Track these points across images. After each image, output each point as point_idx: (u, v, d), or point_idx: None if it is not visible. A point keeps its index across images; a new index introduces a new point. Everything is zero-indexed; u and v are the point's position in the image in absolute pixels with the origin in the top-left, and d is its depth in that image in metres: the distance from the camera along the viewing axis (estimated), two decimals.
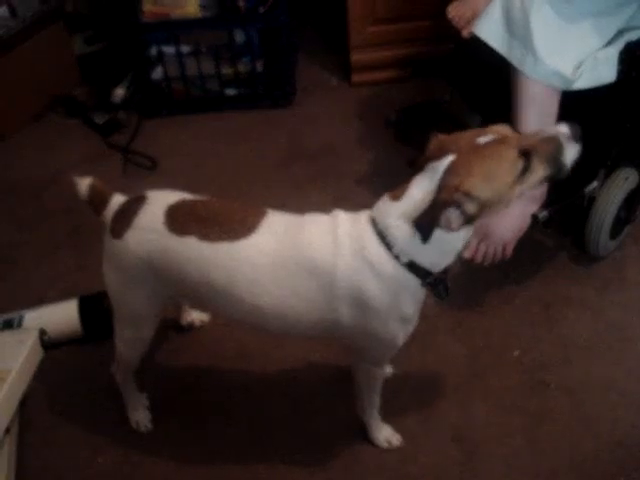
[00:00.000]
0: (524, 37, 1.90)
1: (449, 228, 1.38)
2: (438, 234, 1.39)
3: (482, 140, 1.40)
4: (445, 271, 1.51)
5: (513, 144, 1.39)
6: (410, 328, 1.61)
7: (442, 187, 1.38)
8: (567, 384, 2.04)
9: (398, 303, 1.52)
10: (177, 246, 1.57)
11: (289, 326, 1.62)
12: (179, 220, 1.58)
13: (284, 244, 1.53)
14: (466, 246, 1.51)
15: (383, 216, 1.47)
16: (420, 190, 1.42)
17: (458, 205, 1.36)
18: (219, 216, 1.59)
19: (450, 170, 1.39)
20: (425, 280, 1.49)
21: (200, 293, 1.63)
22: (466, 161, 1.38)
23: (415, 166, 1.48)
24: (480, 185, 1.36)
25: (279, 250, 1.53)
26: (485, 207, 1.39)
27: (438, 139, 1.47)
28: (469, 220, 1.39)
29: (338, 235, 1.50)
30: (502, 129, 1.44)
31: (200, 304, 1.77)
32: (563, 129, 1.44)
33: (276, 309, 1.56)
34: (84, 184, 1.73)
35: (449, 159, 1.39)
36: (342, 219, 1.53)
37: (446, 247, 1.46)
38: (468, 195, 1.36)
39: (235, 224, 1.57)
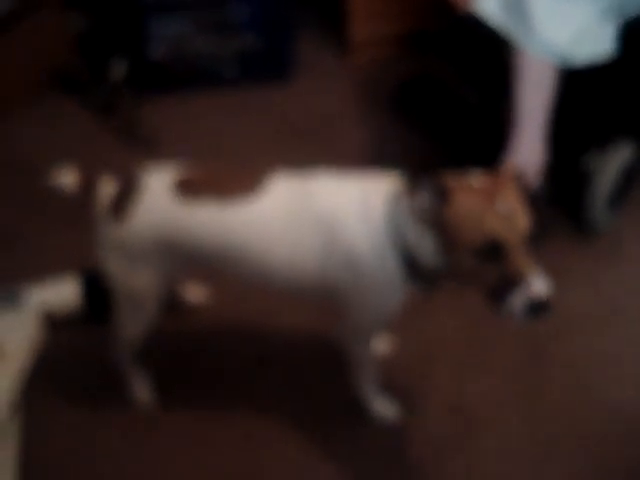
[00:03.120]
0: (522, 12, 1.90)
1: (413, 199, 1.41)
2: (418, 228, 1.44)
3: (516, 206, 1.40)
4: (425, 270, 1.53)
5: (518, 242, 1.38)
6: (395, 300, 1.62)
7: (437, 184, 1.40)
8: (565, 356, 2.07)
9: (385, 266, 1.54)
10: (191, 214, 1.58)
11: (294, 283, 1.63)
12: (188, 189, 1.59)
13: (293, 197, 1.57)
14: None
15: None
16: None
17: (436, 194, 1.38)
18: (227, 179, 1.63)
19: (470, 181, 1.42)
20: (404, 257, 1.51)
21: (213, 258, 1.64)
22: (487, 189, 1.39)
23: None
24: (461, 206, 1.37)
25: (291, 206, 1.57)
26: (436, 228, 1.41)
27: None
28: (424, 218, 1.41)
29: (344, 187, 1.56)
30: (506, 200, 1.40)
31: (210, 270, 1.77)
32: (538, 288, 1.38)
33: (284, 265, 1.59)
34: (65, 175, 1.66)
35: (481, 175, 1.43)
36: (350, 177, 1.58)
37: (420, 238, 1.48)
38: (446, 195, 1.37)
39: (245, 185, 1.59)
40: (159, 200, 1.59)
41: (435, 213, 1.39)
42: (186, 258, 1.67)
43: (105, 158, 2.78)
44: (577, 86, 2.06)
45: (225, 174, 1.66)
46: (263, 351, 2.15)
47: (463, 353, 2.10)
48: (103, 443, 1.95)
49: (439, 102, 2.91)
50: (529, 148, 2.04)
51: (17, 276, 2.28)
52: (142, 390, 2.01)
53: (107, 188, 1.65)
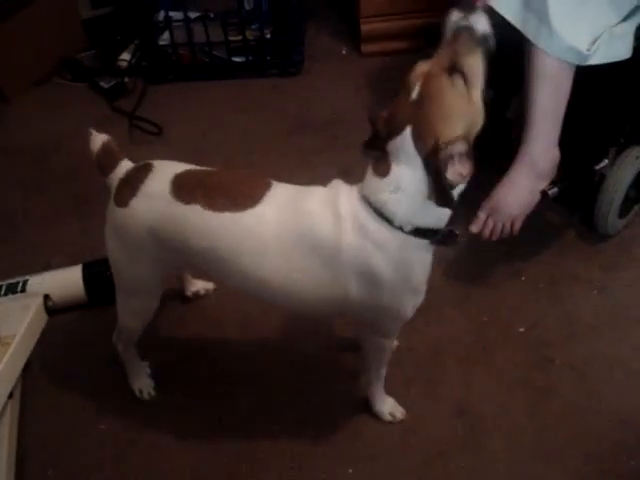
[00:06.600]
0: (540, 10, 1.87)
1: (464, 177, 1.37)
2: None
3: (414, 95, 1.38)
4: (450, 223, 1.49)
5: (438, 74, 1.37)
6: (420, 299, 1.61)
7: (427, 158, 1.36)
8: (572, 361, 2.04)
9: (407, 274, 1.51)
10: (182, 214, 1.54)
11: (297, 301, 1.60)
12: (185, 188, 1.56)
13: (287, 217, 1.52)
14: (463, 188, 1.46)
15: (375, 194, 1.45)
16: (403, 167, 1.40)
17: (452, 156, 1.34)
18: (225, 186, 1.58)
19: (417, 139, 1.37)
20: (434, 238, 1.48)
21: (205, 262, 1.61)
22: (421, 121, 1.37)
23: (371, 148, 1.51)
24: (448, 127, 1.35)
25: (282, 223, 1.51)
26: (470, 134, 1.38)
27: (382, 117, 1.46)
28: (469, 156, 1.37)
29: (339, 211, 1.48)
30: (419, 68, 1.41)
31: (205, 274, 1.75)
32: (454, 17, 1.43)
33: (282, 283, 1.55)
34: (98, 140, 1.70)
35: (408, 131, 1.38)
36: (342, 194, 1.51)
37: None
38: (450, 142, 1.34)
39: (240, 194, 1.55)
40: (159, 192, 1.57)
41: (464, 146, 1.35)
42: (181, 254, 1.63)
43: None
44: (594, 91, 2.03)
45: (224, 178, 1.61)
46: (268, 344, 2.12)
47: (469, 355, 2.07)
48: (101, 429, 1.94)
49: None
50: (544, 149, 2.02)
51: (22, 263, 2.27)
52: (142, 379, 2.00)
53: (120, 171, 1.65)
